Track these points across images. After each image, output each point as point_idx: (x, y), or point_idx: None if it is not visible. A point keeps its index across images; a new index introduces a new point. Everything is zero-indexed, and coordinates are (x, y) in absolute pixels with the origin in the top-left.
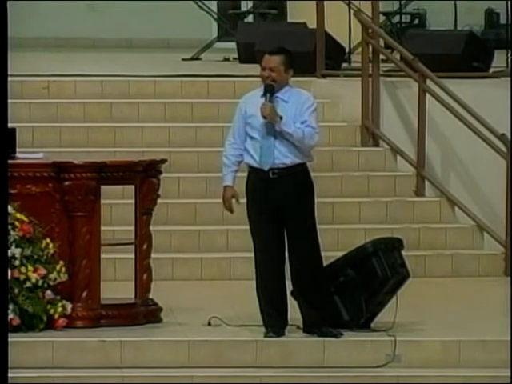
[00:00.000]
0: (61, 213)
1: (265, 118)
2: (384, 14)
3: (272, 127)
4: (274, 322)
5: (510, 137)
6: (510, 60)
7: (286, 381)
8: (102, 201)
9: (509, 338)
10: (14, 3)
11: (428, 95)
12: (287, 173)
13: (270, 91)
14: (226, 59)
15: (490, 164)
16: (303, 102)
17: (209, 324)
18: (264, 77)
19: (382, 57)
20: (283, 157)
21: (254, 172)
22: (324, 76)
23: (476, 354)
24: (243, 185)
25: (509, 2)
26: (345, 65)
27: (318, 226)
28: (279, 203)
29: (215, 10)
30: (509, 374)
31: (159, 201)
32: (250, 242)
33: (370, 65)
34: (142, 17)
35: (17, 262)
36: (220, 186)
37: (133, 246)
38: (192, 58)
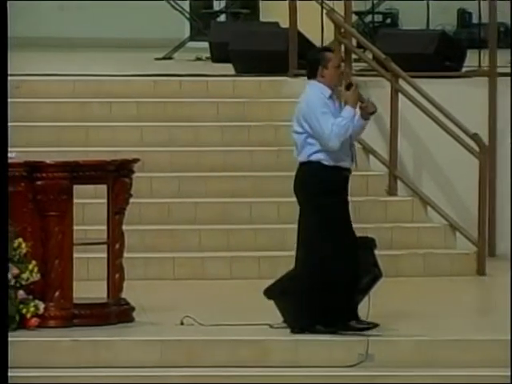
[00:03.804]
0: (33, 212)
1: (371, 114)
2: (356, 13)
3: None
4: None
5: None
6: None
7: (260, 381)
8: (75, 200)
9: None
10: None
11: (400, 95)
12: None
13: None
14: (199, 58)
15: (462, 163)
16: None
17: (181, 324)
18: (340, 74)
19: (354, 56)
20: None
21: (338, 172)
22: (296, 75)
23: (449, 353)
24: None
25: (481, 2)
26: None
27: (290, 226)
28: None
29: (188, 9)
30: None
31: (132, 200)
32: (223, 242)
33: (343, 64)
34: (114, 16)
35: None
36: (192, 186)
37: (105, 246)
38: (164, 58)
